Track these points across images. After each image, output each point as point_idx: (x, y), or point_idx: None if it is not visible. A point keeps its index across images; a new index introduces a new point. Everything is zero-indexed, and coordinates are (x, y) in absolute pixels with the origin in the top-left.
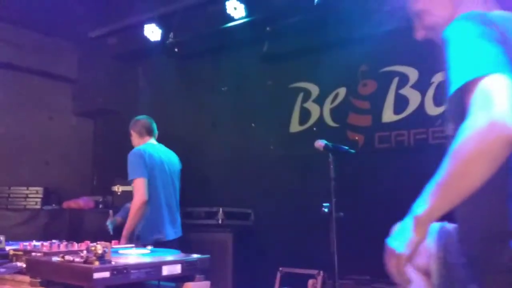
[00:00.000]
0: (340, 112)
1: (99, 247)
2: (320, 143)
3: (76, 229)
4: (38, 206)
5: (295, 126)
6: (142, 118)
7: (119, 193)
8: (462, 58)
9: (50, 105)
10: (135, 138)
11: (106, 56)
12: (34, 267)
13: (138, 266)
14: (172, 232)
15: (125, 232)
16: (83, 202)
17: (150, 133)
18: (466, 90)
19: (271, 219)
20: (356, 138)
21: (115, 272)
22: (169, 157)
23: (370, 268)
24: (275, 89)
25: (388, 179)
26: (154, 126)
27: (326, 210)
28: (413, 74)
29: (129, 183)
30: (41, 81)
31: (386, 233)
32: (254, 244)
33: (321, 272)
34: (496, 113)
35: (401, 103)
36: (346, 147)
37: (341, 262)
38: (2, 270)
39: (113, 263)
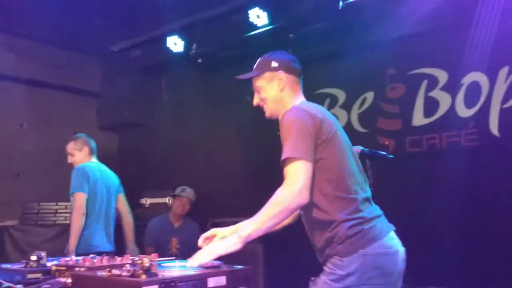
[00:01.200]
0: (368, 117)
1: (145, 260)
2: (356, 149)
3: None
4: (67, 221)
5: None
6: (84, 136)
7: (147, 206)
8: (290, 140)
9: (75, 119)
10: (77, 155)
11: (129, 69)
12: (80, 282)
13: (185, 279)
14: (108, 244)
15: (71, 247)
16: None
17: (92, 152)
18: (287, 161)
19: (302, 228)
20: (387, 142)
21: (163, 286)
22: (108, 176)
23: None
24: None
25: (421, 183)
26: (95, 145)
27: None
28: (442, 76)
29: (70, 196)
30: (66, 96)
31: (422, 237)
32: (285, 254)
33: None
34: (297, 189)
35: (431, 105)
36: (384, 152)
37: None
38: (46, 286)
39: (160, 276)
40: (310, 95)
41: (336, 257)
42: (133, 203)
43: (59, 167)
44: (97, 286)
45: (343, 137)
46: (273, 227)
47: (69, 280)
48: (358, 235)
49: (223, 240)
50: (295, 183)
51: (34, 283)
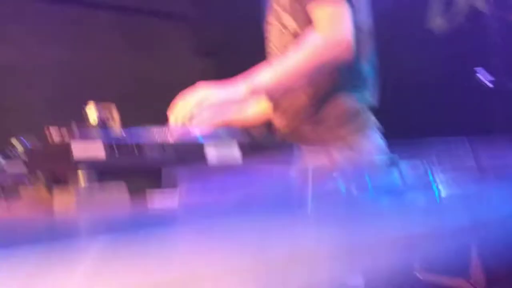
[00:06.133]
0: None
1: None
2: None
3: None
4: None
5: None
6: None
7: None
8: None
9: (169, 46)
10: None
11: None
12: None
13: None
14: None
15: None
16: None
17: None
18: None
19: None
20: None
21: None
22: None
23: None
24: None
25: None
26: None
27: None
28: None
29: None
30: (157, 22)
31: None
32: None
33: None
34: (345, 36)
35: None
36: None
37: None
38: None
39: None
40: None
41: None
42: None
43: (156, 95)
44: None
45: None
46: (296, 85)
47: None
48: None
49: (222, 87)
50: (341, 28)
51: None
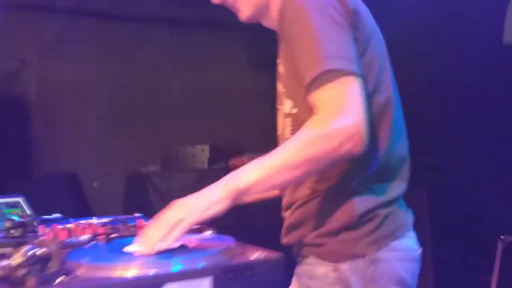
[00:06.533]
0: None
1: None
2: None
3: None
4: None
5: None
6: None
7: None
8: (320, 37)
9: (222, 58)
10: None
11: None
12: None
13: None
14: None
15: None
16: (247, 159)
17: None
18: (322, 78)
19: (482, 169)
20: None
21: None
22: None
23: None
24: None
25: None
26: None
27: None
28: None
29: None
30: (211, 34)
31: None
32: (459, 204)
33: None
34: (354, 122)
35: None
36: None
37: None
38: None
39: None
40: None
41: None
42: None
43: (206, 109)
44: None
45: (381, 46)
46: (291, 182)
47: None
48: None
49: (194, 195)
50: (348, 112)
51: None
